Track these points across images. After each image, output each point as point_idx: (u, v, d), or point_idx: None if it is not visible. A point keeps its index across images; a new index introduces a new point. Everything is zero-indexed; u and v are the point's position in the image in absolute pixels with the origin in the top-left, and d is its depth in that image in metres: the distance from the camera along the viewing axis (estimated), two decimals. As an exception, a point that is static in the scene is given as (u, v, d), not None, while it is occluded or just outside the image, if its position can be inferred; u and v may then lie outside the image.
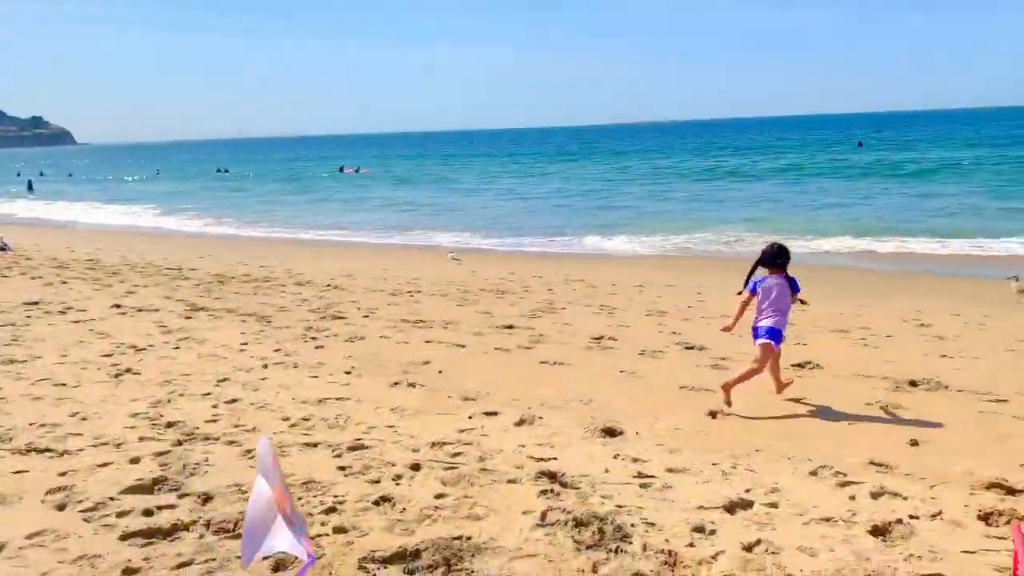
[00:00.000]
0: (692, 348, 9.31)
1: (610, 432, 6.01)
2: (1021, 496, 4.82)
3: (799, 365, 8.43)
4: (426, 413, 6.48)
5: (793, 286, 6.96)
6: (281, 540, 2.91)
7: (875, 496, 4.78)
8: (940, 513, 4.54)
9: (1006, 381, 7.70)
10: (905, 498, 4.77)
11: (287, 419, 6.20)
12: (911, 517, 4.47)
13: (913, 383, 7.61)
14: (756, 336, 6.92)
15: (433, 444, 5.65)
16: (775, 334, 6.82)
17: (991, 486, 4.98)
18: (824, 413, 6.71)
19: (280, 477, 2.94)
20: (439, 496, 4.70)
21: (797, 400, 7.11)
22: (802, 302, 7.11)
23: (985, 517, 4.50)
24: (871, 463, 5.40)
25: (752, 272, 7.02)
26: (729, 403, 6.78)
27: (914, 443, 5.85)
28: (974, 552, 4.04)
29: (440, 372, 7.90)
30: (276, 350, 8.73)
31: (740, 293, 7.04)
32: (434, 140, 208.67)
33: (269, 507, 2.97)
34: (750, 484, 4.97)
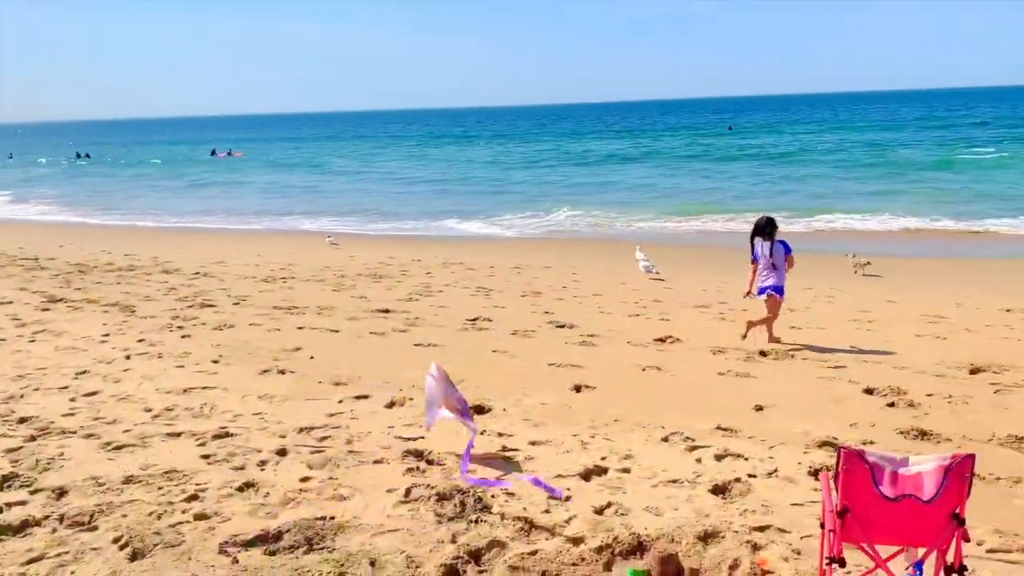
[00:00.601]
0: (563, 327, 9.60)
1: (479, 410, 6.19)
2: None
3: (661, 339, 8.85)
4: (295, 399, 6.47)
5: (785, 248, 8.68)
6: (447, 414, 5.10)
7: (719, 458, 5.15)
8: (776, 471, 4.94)
9: (846, 349, 8.36)
10: (746, 459, 5.15)
11: (149, 410, 6.07)
12: (749, 476, 4.85)
13: (763, 353, 8.16)
14: (760, 293, 8.67)
15: (301, 429, 5.66)
16: (776, 289, 8.61)
17: (823, 444, 5.44)
18: (680, 383, 7.11)
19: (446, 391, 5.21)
20: (304, 479, 4.75)
21: (657, 370, 7.50)
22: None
23: (815, 473, 4.92)
24: (718, 428, 5.79)
25: (752, 243, 8.73)
26: (745, 337, 8.71)
27: (759, 408, 6.30)
28: (802, 504, 4.43)
29: (312, 358, 7.87)
30: (140, 340, 8.47)
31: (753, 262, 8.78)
32: (312, 122, 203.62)
33: (436, 395, 5.16)
34: (606, 452, 5.25)
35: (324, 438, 5.50)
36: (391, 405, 6.33)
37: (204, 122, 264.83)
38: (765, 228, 8.64)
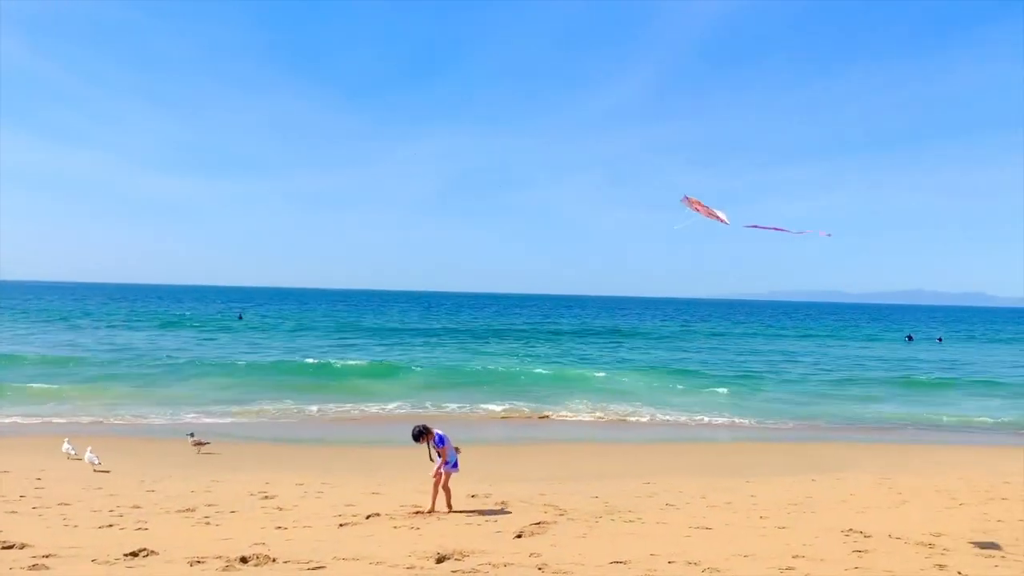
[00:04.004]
0: (11, 547, 8.11)
1: None
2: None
3: (132, 554, 7.94)
4: None
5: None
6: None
7: None
8: None
9: (329, 548, 8.41)
10: None
11: None
12: None
13: (244, 560, 7.79)
14: (454, 467, 10.76)
15: None
16: (456, 465, 10.82)
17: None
18: (147, 607, 6.38)
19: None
20: None
21: (121, 596, 6.65)
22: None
23: None
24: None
25: (428, 440, 10.68)
26: (432, 510, 10.60)
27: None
28: None
29: None
30: None
31: (438, 453, 10.72)
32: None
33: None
34: None
35: None
36: None
37: None
38: (427, 429, 10.76)
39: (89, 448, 14.27)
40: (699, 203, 7.65)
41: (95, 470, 13.77)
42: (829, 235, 8.09)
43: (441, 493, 10.73)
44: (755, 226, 8.21)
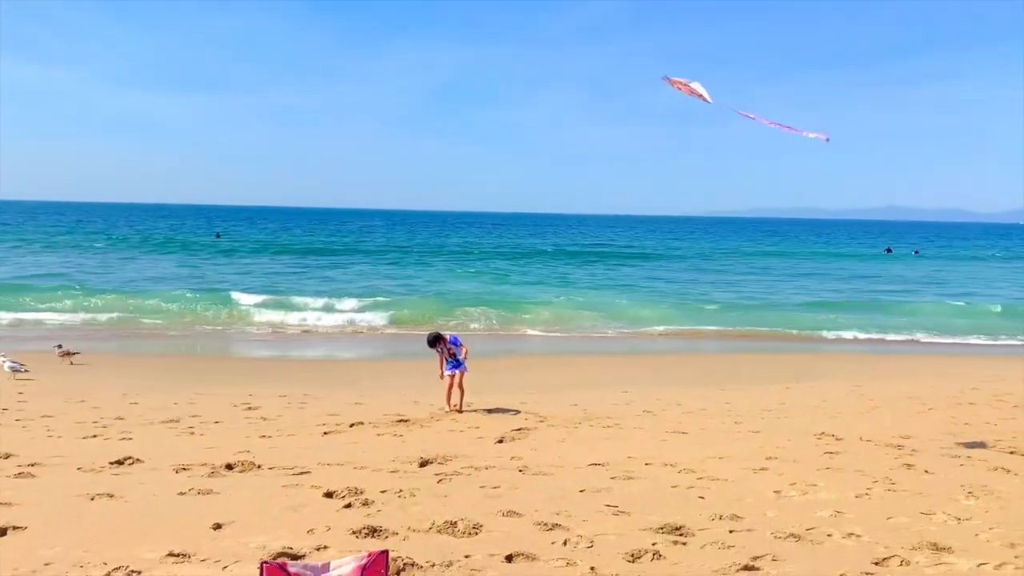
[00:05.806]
0: (-5, 457, 8.16)
1: None
2: (304, 559, 5.30)
3: (118, 462, 8.03)
4: None
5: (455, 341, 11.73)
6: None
7: (164, 590, 4.74)
8: (226, 594, 4.71)
9: (313, 455, 8.54)
10: (195, 586, 4.83)
11: None
12: (195, 604, 4.54)
13: (229, 466, 7.90)
14: (459, 368, 11.51)
15: None
16: (459, 366, 11.55)
17: (279, 555, 5.38)
18: (134, 510, 6.47)
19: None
20: None
21: (109, 498, 6.74)
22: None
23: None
24: (170, 555, 5.35)
25: (442, 345, 11.48)
26: (450, 408, 11.52)
27: (217, 527, 6.01)
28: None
29: None
30: None
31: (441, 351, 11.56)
32: None
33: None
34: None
35: None
36: None
37: None
38: (440, 334, 11.67)
39: (6, 356, 14.22)
40: (680, 82, 7.54)
41: (16, 378, 13.63)
42: (828, 139, 7.87)
43: (456, 392, 11.57)
44: (749, 115, 7.96)
